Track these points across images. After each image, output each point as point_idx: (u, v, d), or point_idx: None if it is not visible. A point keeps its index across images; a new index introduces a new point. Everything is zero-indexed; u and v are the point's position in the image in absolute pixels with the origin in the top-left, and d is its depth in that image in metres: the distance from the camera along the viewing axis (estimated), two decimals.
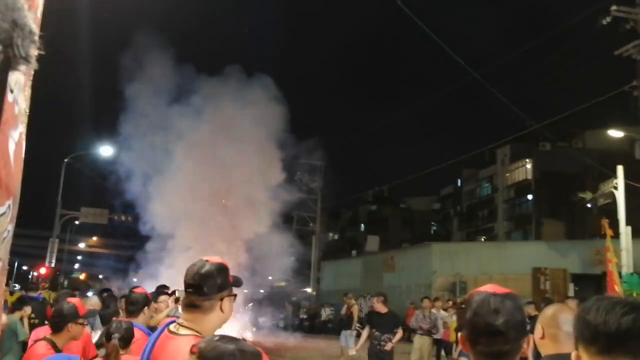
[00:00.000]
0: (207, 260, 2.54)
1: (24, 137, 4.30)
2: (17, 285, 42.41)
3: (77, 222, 40.97)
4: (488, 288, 1.85)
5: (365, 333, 10.93)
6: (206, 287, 2.46)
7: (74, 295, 5.51)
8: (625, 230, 20.47)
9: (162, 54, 19.91)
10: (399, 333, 10.58)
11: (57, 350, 4.06)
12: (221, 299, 2.48)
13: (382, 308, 10.70)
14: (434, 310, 14.76)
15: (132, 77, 19.48)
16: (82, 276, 57.85)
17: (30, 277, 58.03)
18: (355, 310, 16.43)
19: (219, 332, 2.25)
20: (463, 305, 1.90)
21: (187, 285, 2.51)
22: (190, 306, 2.49)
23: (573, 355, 1.49)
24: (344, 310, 17.19)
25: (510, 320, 1.75)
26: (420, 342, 13.82)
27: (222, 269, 2.51)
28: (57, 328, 4.22)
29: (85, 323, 4.39)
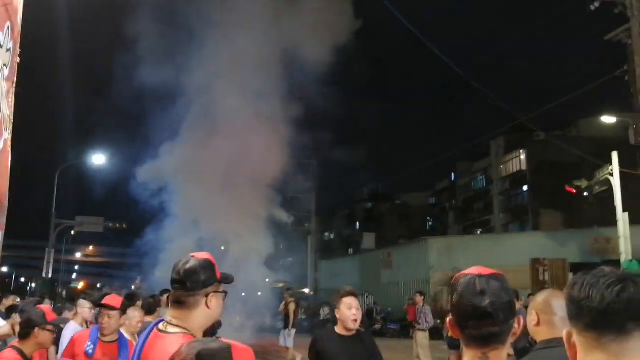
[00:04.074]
0: (193, 256, 2.53)
1: (9, 144, 4.17)
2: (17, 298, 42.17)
3: (72, 232, 40.95)
4: (474, 270, 1.80)
5: None
6: (189, 282, 2.45)
7: (41, 303, 5.40)
8: (622, 217, 20.46)
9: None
10: None
11: (24, 357, 3.98)
12: (206, 295, 2.46)
13: (350, 323, 4.43)
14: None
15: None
16: (80, 286, 57.66)
17: (28, 288, 57.94)
18: (291, 308, 16.23)
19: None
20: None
21: (173, 281, 2.50)
22: (176, 303, 2.48)
23: (565, 332, 1.42)
24: (281, 308, 16.78)
25: (497, 301, 1.70)
26: (416, 336, 14.66)
27: (207, 264, 2.49)
28: (24, 334, 4.13)
29: (54, 330, 4.25)
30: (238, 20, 20.65)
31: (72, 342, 5.01)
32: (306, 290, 40.79)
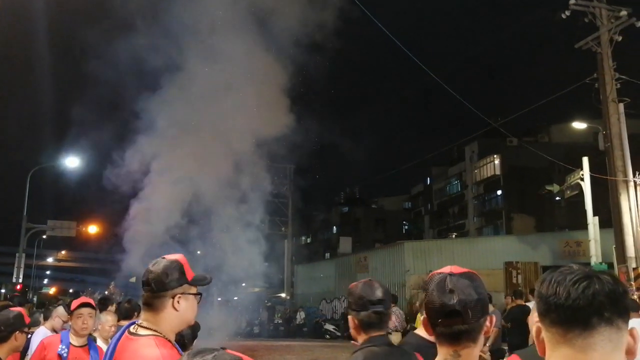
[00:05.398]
0: (163, 258, 2.49)
1: None
2: None
3: (44, 237, 40.31)
4: (446, 269, 1.82)
5: None
6: (154, 284, 2.41)
7: (12, 306, 5.32)
8: (592, 220, 20.78)
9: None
10: None
11: None
12: (173, 297, 2.41)
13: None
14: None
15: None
16: (52, 291, 56.84)
17: None
18: None
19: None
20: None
21: (142, 284, 2.47)
22: (145, 305, 2.45)
23: (534, 328, 1.44)
24: None
25: (466, 299, 1.71)
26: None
27: (175, 266, 2.45)
28: (2, 338, 4.05)
29: (29, 333, 4.23)
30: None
31: (42, 346, 4.91)
32: (282, 295, 40.71)
